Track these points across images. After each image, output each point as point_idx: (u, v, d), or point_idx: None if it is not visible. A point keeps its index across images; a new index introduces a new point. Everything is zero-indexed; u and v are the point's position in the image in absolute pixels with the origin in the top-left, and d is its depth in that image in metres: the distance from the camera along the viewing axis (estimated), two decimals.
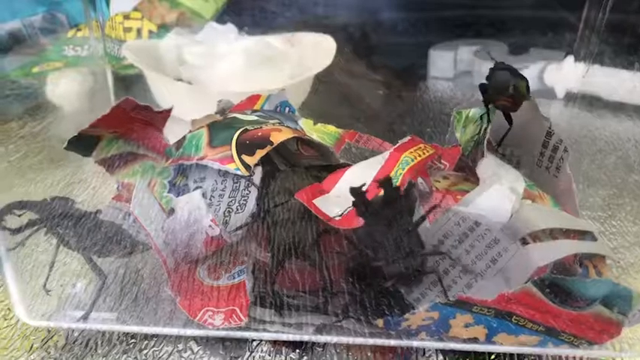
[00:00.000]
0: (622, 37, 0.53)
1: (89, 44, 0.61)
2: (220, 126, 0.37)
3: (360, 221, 0.30)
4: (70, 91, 0.59)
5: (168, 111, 0.37)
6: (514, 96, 0.36)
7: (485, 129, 0.37)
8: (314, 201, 0.32)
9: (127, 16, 0.67)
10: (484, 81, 0.62)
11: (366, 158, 0.37)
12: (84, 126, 0.37)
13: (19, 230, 0.32)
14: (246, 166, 0.33)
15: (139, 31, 0.67)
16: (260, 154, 0.33)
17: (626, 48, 0.54)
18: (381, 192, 0.30)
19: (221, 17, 0.68)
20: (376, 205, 0.29)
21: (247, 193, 0.33)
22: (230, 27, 0.63)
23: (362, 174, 0.34)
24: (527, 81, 0.37)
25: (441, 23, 0.69)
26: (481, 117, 0.39)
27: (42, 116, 0.56)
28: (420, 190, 0.34)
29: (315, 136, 0.43)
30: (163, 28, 0.67)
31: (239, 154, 0.33)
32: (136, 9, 0.68)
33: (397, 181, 0.33)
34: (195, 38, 0.62)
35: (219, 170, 0.33)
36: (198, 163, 0.34)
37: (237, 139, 0.34)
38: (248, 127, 0.35)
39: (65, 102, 0.58)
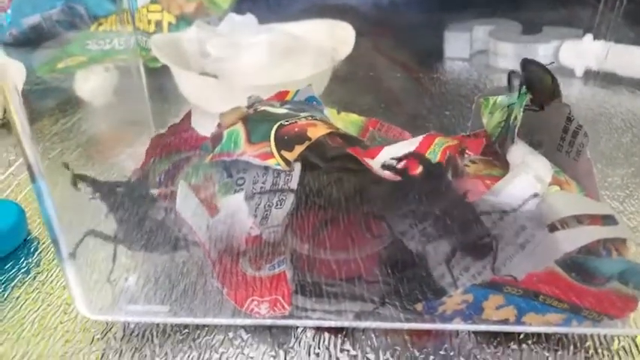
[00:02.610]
0: None
1: (111, 37, 0.62)
2: (255, 121, 0.38)
3: (415, 170, 0.32)
4: (98, 86, 0.60)
5: (187, 114, 0.41)
6: (552, 95, 0.37)
7: (516, 116, 0.38)
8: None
9: (147, 9, 0.68)
10: (501, 61, 0.63)
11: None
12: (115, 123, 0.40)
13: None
14: (287, 162, 0.35)
15: (158, 24, 0.68)
16: (299, 149, 0.35)
17: None
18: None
19: (239, 6, 0.69)
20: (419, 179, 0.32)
21: (287, 188, 0.35)
22: (250, 17, 0.64)
23: (399, 151, 0.36)
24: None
25: (455, 1, 0.70)
26: (508, 106, 0.40)
27: (72, 112, 0.58)
28: (455, 166, 0.36)
29: (340, 126, 0.45)
30: (182, 19, 0.69)
31: (278, 150, 0.35)
32: (154, 1, 0.69)
33: (436, 157, 0.35)
34: (217, 30, 0.63)
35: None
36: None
37: (275, 135, 0.36)
38: (283, 122, 0.37)
39: (94, 97, 0.60)
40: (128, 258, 0.37)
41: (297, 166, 0.35)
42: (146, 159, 0.41)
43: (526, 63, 0.39)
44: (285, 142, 0.35)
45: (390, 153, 0.37)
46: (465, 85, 0.65)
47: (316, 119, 0.38)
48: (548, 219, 0.33)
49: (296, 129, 0.35)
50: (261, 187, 0.36)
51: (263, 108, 0.40)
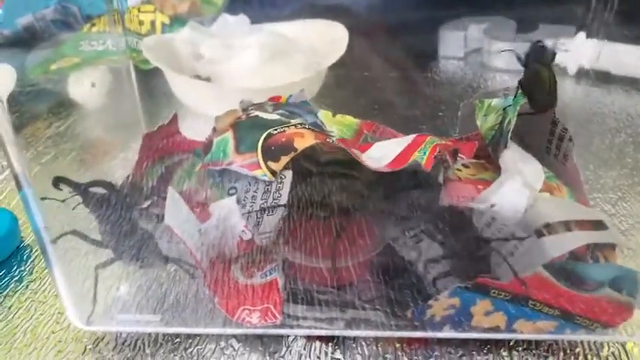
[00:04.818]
0: (635, 11, 0.53)
1: (104, 38, 0.62)
2: (244, 128, 0.38)
3: (399, 164, 0.33)
4: (91, 89, 0.60)
5: (174, 117, 0.42)
6: (550, 94, 0.37)
7: (510, 120, 0.38)
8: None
9: (139, 9, 0.68)
10: (495, 60, 0.63)
11: None
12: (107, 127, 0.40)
13: None
14: (273, 172, 0.35)
15: (152, 24, 0.68)
16: (285, 160, 0.35)
17: (638, 22, 0.55)
18: None
19: (232, 6, 0.68)
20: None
21: (278, 196, 0.35)
22: (242, 18, 0.64)
23: (389, 146, 0.36)
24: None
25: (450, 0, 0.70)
26: (504, 109, 0.40)
27: (66, 115, 0.57)
28: (445, 162, 0.36)
29: (334, 129, 0.45)
30: (176, 20, 0.68)
31: (265, 161, 0.35)
32: (148, 1, 0.69)
33: (428, 150, 0.35)
34: (210, 31, 0.63)
35: None
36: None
37: (262, 145, 0.36)
38: (271, 132, 0.37)
39: (87, 100, 0.59)
40: (120, 267, 0.37)
41: (289, 176, 0.35)
42: (139, 160, 0.41)
43: (535, 48, 0.38)
44: (271, 153, 0.35)
45: (380, 148, 0.37)
46: (459, 85, 0.65)
47: (306, 127, 0.38)
48: (536, 225, 0.33)
49: (283, 139, 0.35)
50: (253, 196, 0.36)
51: (256, 113, 0.40)
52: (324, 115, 0.44)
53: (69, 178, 0.35)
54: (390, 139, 0.43)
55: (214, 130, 0.40)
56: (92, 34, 0.65)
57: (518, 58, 0.39)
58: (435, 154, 0.34)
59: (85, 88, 0.59)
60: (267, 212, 0.36)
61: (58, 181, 0.35)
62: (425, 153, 0.35)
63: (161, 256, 0.36)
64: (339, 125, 0.45)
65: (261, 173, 0.35)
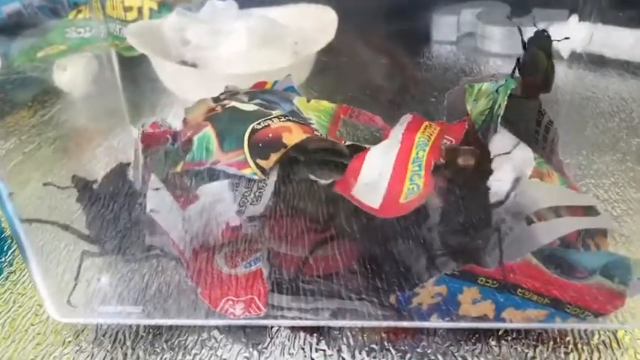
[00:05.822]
0: None
1: (91, 25, 0.61)
2: (224, 122, 0.37)
3: (401, 211, 0.31)
4: (77, 76, 0.59)
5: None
6: (545, 79, 0.37)
7: (500, 104, 0.37)
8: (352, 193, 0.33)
9: None
10: (488, 44, 0.62)
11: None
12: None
13: None
14: (262, 170, 0.34)
15: (139, 10, 0.66)
16: (275, 157, 0.34)
17: (632, 4, 0.54)
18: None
19: None
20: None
21: (263, 185, 0.34)
22: (230, 2, 0.63)
23: (382, 158, 0.35)
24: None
25: None
26: (497, 90, 0.39)
27: (51, 103, 0.56)
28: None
29: (312, 115, 0.43)
30: (164, 5, 0.67)
31: (253, 159, 0.34)
32: None
33: (423, 162, 0.34)
34: (197, 17, 0.62)
35: None
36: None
37: (249, 142, 0.35)
38: (255, 126, 0.35)
39: (73, 88, 0.58)
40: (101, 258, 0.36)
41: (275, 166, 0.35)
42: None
43: (536, 38, 0.38)
44: (260, 150, 0.34)
45: (373, 158, 0.36)
46: (452, 69, 0.64)
47: (290, 120, 0.36)
48: (526, 211, 0.32)
49: (270, 134, 0.34)
50: (236, 184, 0.35)
51: (231, 104, 0.39)
52: (299, 102, 0.43)
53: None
54: (369, 127, 0.42)
55: (185, 121, 0.39)
56: (78, 20, 0.63)
57: (523, 43, 0.38)
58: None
59: (68, 75, 0.58)
60: (251, 202, 0.35)
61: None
62: (420, 167, 0.33)
63: (144, 246, 0.35)
64: (315, 111, 0.44)
65: (251, 172, 0.34)
